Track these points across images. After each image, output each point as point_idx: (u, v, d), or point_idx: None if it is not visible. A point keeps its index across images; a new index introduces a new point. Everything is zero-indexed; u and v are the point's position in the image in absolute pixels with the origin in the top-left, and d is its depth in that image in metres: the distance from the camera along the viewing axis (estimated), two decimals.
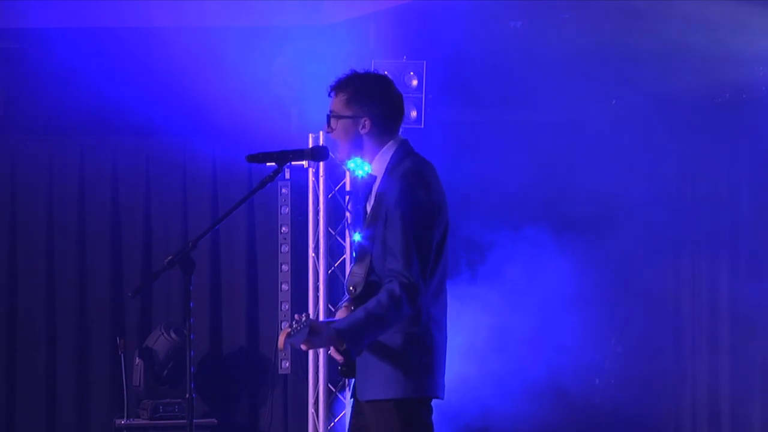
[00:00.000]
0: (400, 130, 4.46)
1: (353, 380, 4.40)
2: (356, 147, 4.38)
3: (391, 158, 4.37)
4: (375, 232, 4.29)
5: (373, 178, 4.42)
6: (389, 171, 4.34)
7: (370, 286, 4.30)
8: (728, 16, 7.33)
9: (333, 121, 4.36)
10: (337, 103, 4.36)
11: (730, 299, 8.53)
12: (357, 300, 4.31)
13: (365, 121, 4.36)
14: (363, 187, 4.50)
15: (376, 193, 4.35)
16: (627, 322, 8.57)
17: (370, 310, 4.17)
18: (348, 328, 4.16)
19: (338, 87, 4.36)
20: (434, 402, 4.35)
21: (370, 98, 4.37)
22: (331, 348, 4.24)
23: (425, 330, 4.29)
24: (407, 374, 4.25)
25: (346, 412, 7.70)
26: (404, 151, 4.38)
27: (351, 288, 4.34)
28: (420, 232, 4.22)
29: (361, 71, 4.43)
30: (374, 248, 4.29)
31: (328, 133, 4.41)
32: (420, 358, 4.27)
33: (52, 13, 7.75)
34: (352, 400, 4.45)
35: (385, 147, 4.39)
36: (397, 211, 4.21)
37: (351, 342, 4.15)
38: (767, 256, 8.18)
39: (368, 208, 4.41)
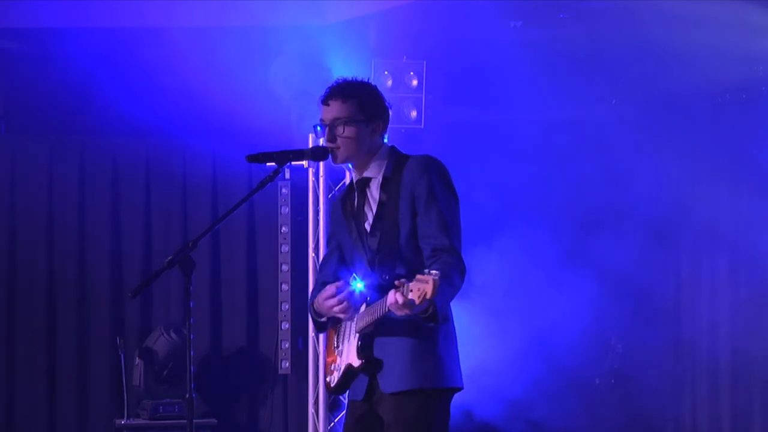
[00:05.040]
0: None
1: (363, 383, 4.38)
2: (362, 150, 4.41)
3: (389, 159, 4.45)
4: (400, 223, 4.34)
5: (360, 179, 4.46)
6: (394, 168, 4.41)
7: (395, 275, 4.33)
8: (728, 16, 7.33)
9: (341, 128, 4.36)
10: (346, 108, 4.36)
11: (730, 299, 8.53)
12: (383, 289, 4.31)
13: (378, 124, 4.43)
14: (345, 197, 4.53)
15: (387, 188, 4.39)
16: (627, 322, 8.57)
17: (440, 275, 4.07)
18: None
19: (344, 94, 4.38)
20: None
21: (381, 102, 4.45)
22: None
23: (452, 322, 4.39)
24: (443, 366, 4.30)
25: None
26: (398, 152, 4.49)
27: (386, 276, 4.32)
28: (456, 217, 4.36)
29: (351, 78, 4.47)
30: (402, 236, 4.34)
31: (328, 141, 4.38)
32: (452, 349, 4.36)
33: (52, 14, 7.75)
34: (361, 404, 4.41)
35: (382, 149, 4.47)
36: (433, 195, 4.31)
37: (441, 297, 4.06)
38: (767, 255, 8.17)
39: (372, 207, 4.42)
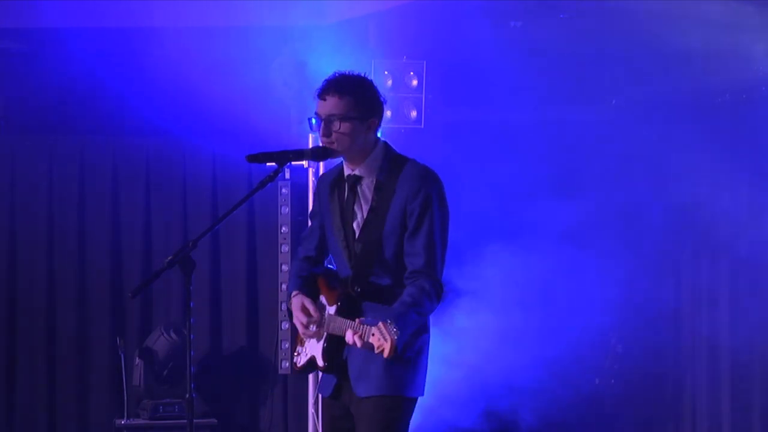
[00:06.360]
0: None
1: (331, 382, 4.45)
2: (357, 146, 4.40)
3: (383, 158, 4.44)
4: (386, 230, 4.34)
5: (351, 175, 4.45)
6: (388, 171, 4.40)
7: (372, 286, 4.35)
8: (728, 16, 7.32)
9: (337, 123, 4.34)
10: (341, 105, 4.35)
11: (730, 299, 8.52)
12: (354, 300, 4.35)
13: (373, 121, 4.41)
14: (334, 183, 4.52)
15: (380, 193, 4.38)
16: (626, 322, 8.56)
17: (409, 303, 4.23)
18: (395, 320, 4.14)
19: (340, 89, 4.36)
20: (427, 399, 4.52)
21: (377, 98, 4.44)
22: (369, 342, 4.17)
23: (429, 335, 4.45)
24: (416, 375, 4.38)
25: None
26: (392, 151, 4.49)
27: (356, 288, 4.36)
28: (444, 236, 4.39)
29: (348, 72, 4.44)
30: (387, 247, 4.34)
31: (324, 135, 4.38)
32: (425, 361, 4.43)
33: (52, 14, 7.74)
34: (332, 401, 4.48)
35: (377, 147, 4.46)
36: (427, 214, 4.32)
37: (404, 332, 4.17)
38: (767, 255, 8.17)
39: (363, 208, 4.42)
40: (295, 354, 4.63)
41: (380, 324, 4.05)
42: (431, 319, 4.45)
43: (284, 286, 8.54)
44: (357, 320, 4.17)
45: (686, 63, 7.83)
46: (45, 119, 8.51)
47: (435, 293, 4.30)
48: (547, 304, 8.15)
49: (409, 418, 4.41)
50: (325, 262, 4.73)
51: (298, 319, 4.48)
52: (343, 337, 4.31)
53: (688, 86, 8.16)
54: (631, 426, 8.87)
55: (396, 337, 4.01)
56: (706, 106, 8.40)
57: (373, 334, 4.07)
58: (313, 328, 4.46)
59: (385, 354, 4.03)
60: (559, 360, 8.20)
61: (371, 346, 4.09)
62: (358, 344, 4.13)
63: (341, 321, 4.32)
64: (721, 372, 8.55)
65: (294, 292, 4.58)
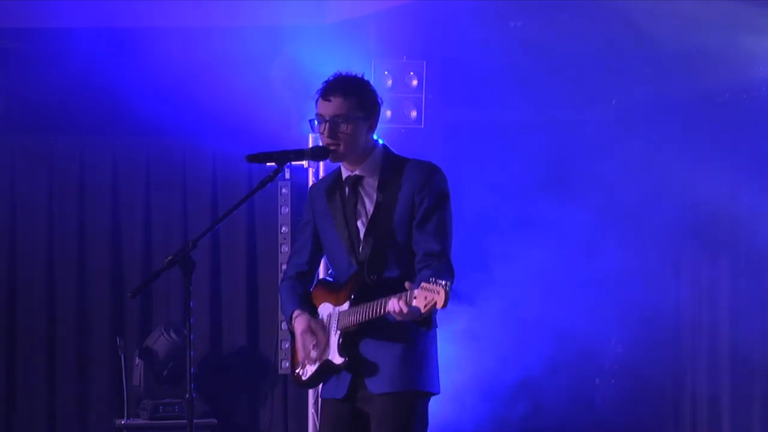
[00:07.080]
0: None
1: (344, 382, 4.41)
2: (360, 147, 4.41)
3: (383, 157, 4.46)
4: (396, 220, 4.35)
5: (351, 176, 4.45)
6: (390, 170, 4.42)
7: (384, 276, 4.36)
8: (728, 16, 7.32)
9: (344, 125, 4.34)
10: (346, 106, 4.35)
11: (730, 300, 8.52)
12: (370, 288, 4.34)
13: (374, 121, 4.44)
14: (332, 187, 4.52)
15: (385, 190, 4.39)
16: (626, 322, 8.56)
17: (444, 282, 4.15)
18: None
19: (344, 90, 4.36)
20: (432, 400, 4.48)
21: (376, 98, 4.45)
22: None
23: (437, 330, 4.45)
24: (429, 369, 4.37)
25: None
26: (392, 152, 4.50)
27: (373, 276, 4.35)
28: (451, 224, 4.41)
29: (348, 73, 4.45)
30: (398, 236, 4.35)
31: (329, 137, 4.36)
32: (435, 356, 4.42)
33: (52, 13, 7.75)
34: (341, 403, 4.44)
35: (376, 148, 4.47)
36: (436, 202, 4.35)
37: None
38: (767, 255, 8.17)
39: (367, 206, 4.42)
40: (298, 368, 4.57)
41: (423, 284, 3.97)
42: (437, 319, 4.43)
43: None
44: (406, 283, 4.05)
45: (686, 63, 7.83)
46: (45, 119, 8.51)
47: (450, 275, 4.28)
48: (548, 304, 8.16)
49: (426, 413, 4.37)
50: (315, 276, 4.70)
51: (304, 341, 4.43)
52: (357, 331, 4.31)
53: (688, 86, 8.16)
54: (632, 426, 8.87)
55: (448, 289, 3.90)
56: (706, 106, 8.40)
57: (415, 297, 3.98)
58: (314, 353, 4.42)
59: (439, 305, 3.90)
60: (560, 359, 8.21)
61: (416, 311, 3.99)
62: (404, 310, 4.03)
63: (361, 307, 4.28)
64: (722, 372, 8.55)
65: (296, 312, 4.53)
